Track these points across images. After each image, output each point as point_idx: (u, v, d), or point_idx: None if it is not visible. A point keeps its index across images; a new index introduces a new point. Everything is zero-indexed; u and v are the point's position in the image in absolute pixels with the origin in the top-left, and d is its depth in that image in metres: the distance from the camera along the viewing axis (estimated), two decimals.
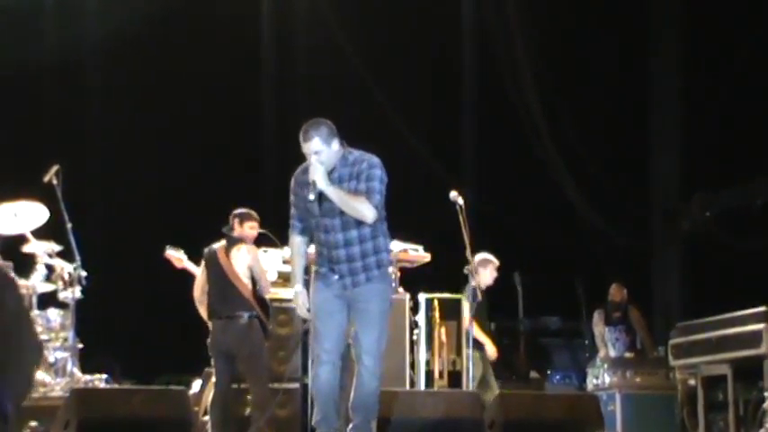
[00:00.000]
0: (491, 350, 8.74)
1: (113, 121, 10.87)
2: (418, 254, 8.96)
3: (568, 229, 12.16)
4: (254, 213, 7.91)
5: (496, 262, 8.86)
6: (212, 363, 7.75)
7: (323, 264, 5.75)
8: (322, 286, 5.70)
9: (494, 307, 9.13)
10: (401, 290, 8.76)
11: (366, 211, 5.61)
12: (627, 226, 12.29)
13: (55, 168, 8.34)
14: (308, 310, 5.78)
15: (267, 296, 7.89)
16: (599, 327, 10.41)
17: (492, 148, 12.16)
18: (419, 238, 8.98)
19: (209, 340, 7.69)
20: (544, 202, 12.06)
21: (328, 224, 5.65)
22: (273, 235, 8.41)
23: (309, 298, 5.75)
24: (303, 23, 11.51)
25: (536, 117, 12.19)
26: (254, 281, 7.77)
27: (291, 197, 5.81)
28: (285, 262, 8.50)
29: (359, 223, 5.65)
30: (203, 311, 7.89)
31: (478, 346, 8.62)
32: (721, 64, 11.65)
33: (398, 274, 8.79)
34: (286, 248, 8.34)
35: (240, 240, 7.81)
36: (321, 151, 5.61)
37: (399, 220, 8.63)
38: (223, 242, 7.86)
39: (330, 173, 5.64)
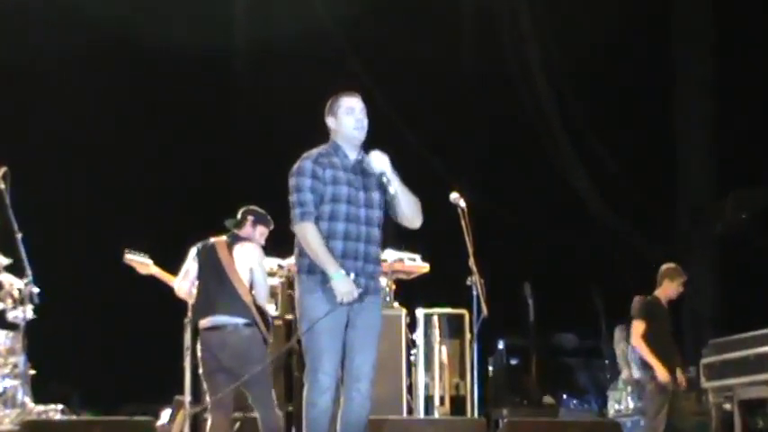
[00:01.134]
0: (661, 374, 8.31)
1: (68, 119, 10.87)
2: (415, 264, 8.97)
3: (584, 233, 12.21)
4: (271, 221, 7.61)
5: (684, 276, 8.71)
6: (204, 386, 7.28)
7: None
8: (328, 297, 5.54)
9: (501, 322, 9.06)
10: (396, 304, 8.80)
11: (420, 213, 5.72)
12: (651, 229, 12.38)
13: (2, 170, 8.33)
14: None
15: (263, 307, 7.70)
16: (621, 344, 10.43)
17: (496, 144, 12.24)
18: (416, 245, 8.95)
19: (200, 355, 7.25)
20: (556, 202, 12.10)
21: (353, 213, 5.61)
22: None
23: (303, 308, 5.61)
24: (295, 21, 11.52)
25: (548, 112, 12.27)
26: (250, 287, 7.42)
27: (307, 181, 5.62)
28: (271, 274, 8.47)
29: (380, 222, 5.68)
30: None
31: (645, 367, 8.44)
32: (754, 54, 11.71)
33: (393, 286, 8.80)
34: (267, 259, 8.41)
35: (246, 239, 7.51)
36: (363, 110, 5.67)
37: (393, 226, 8.76)
38: (224, 237, 7.55)
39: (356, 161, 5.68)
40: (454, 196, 7.57)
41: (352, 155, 5.69)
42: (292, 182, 5.64)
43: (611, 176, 12.37)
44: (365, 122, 5.66)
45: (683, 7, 12.66)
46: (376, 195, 5.68)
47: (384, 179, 5.59)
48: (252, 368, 6.79)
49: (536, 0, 12.28)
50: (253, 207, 7.53)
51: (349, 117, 5.66)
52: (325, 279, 5.55)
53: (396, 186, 5.61)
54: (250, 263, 7.34)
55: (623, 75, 12.17)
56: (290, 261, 8.21)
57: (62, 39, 10.80)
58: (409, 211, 5.69)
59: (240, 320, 7.11)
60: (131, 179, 10.77)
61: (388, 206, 5.74)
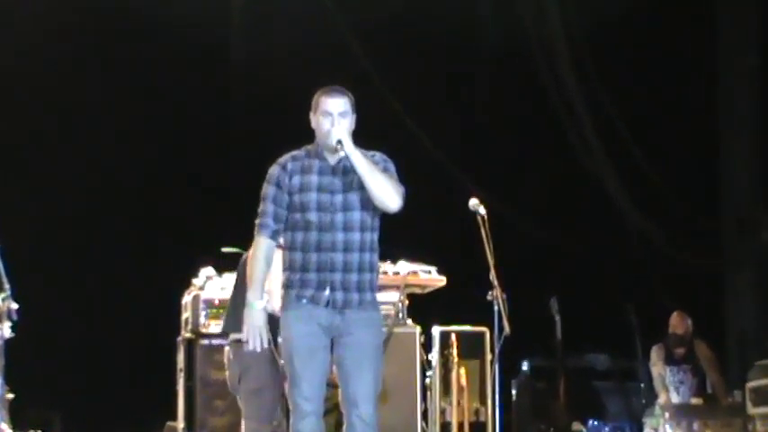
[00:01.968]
0: None
1: (49, 121, 10.90)
2: (431, 277, 8.96)
3: (618, 244, 12.18)
4: None
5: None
6: (242, 403, 7.13)
7: (304, 283, 5.58)
8: (302, 316, 5.55)
9: (525, 342, 9.08)
10: (410, 321, 8.80)
11: (395, 190, 5.56)
12: (691, 240, 12.29)
13: None
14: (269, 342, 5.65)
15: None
16: (658, 366, 10.38)
17: (521, 148, 12.27)
18: (432, 257, 9.01)
19: (227, 373, 7.27)
20: (586, 210, 12.08)
21: (325, 220, 5.58)
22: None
23: (282, 328, 5.61)
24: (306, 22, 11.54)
25: (579, 114, 12.31)
26: None
27: (271, 189, 5.65)
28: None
29: (363, 226, 5.62)
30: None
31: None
32: None
33: (407, 301, 8.81)
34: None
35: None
36: (347, 113, 5.62)
37: (407, 235, 8.75)
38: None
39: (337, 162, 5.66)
40: (473, 203, 7.58)
41: (334, 156, 5.65)
42: (262, 188, 5.70)
43: (648, 184, 12.31)
44: (343, 127, 5.58)
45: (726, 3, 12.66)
46: (355, 196, 5.62)
47: (339, 146, 5.53)
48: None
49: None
50: None
51: (325, 120, 5.62)
52: (299, 294, 5.58)
53: (356, 161, 5.52)
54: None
55: (665, 80, 12.14)
56: None
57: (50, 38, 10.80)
58: (376, 189, 5.54)
59: None
60: (120, 187, 10.76)
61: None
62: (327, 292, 5.56)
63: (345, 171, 5.64)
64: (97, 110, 10.99)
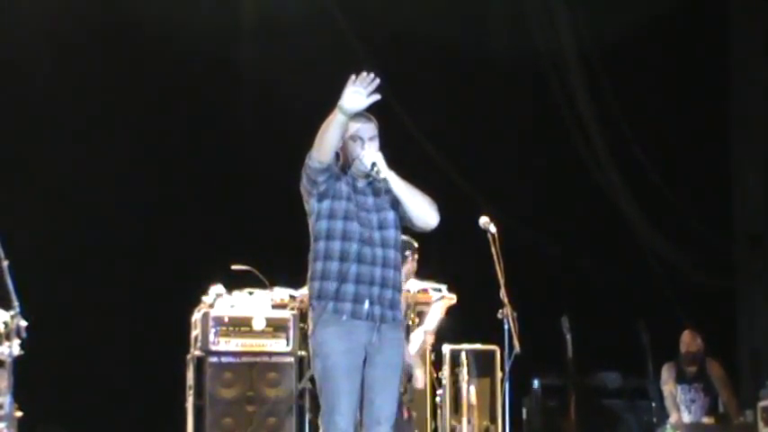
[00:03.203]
0: None
1: (56, 134, 10.89)
2: (441, 295, 8.90)
3: (629, 261, 12.17)
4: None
5: None
6: None
7: (341, 295, 5.58)
8: (342, 332, 5.57)
9: (537, 360, 9.12)
10: None
11: (433, 207, 5.71)
12: (704, 257, 12.27)
13: None
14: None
15: None
16: (669, 385, 10.41)
17: (533, 164, 12.27)
18: (441, 274, 9.00)
19: None
20: (597, 227, 12.06)
21: (365, 235, 5.64)
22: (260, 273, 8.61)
23: (316, 343, 5.62)
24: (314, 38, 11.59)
25: (591, 131, 12.29)
26: None
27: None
28: (275, 306, 8.71)
29: (397, 244, 5.71)
30: None
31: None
32: None
33: (416, 320, 8.71)
34: (276, 289, 8.53)
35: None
36: (375, 137, 5.69)
37: (417, 253, 8.73)
38: None
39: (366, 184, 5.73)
40: (484, 221, 7.61)
41: (363, 179, 5.74)
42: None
43: (660, 200, 12.30)
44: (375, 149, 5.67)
45: (740, 7, 12.65)
46: (390, 215, 5.72)
47: (375, 170, 5.59)
48: None
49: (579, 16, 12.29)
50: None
51: (355, 145, 5.69)
52: (336, 308, 5.57)
53: (394, 182, 5.61)
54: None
55: (678, 96, 12.19)
56: (303, 291, 8.35)
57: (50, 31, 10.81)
58: (416, 209, 5.68)
59: None
60: (129, 202, 10.78)
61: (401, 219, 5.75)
62: (367, 305, 5.59)
63: (375, 192, 5.73)
64: (104, 125, 10.98)
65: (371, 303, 5.60)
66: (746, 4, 12.66)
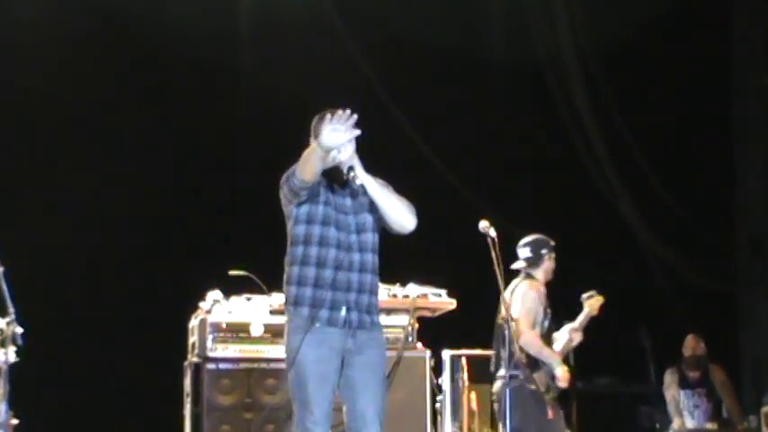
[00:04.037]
0: None
1: (49, 136, 10.87)
2: (441, 300, 8.93)
3: (631, 267, 12.14)
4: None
5: None
6: None
7: (317, 301, 5.60)
8: (314, 340, 5.57)
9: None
10: (419, 345, 8.76)
11: (410, 210, 5.71)
12: (706, 262, 12.29)
13: None
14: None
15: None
16: (672, 390, 10.45)
17: (534, 169, 12.30)
18: (441, 279, 8.96)
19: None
20: (597, 231, 12.03)
21: (343, 239, 5.65)
22: (258, 278, 8.53)
23: (289, 349, 5.64)
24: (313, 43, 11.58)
25: (592, 136, 12.33)
26: None
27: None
28: (273, 312, 8.60)
29: (374, 247, 5.72)
30: None
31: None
32: None
33: (416, 325, 8.77)
34: (274, 295, 8.49)
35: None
36: (351, 142, 5.64)
37: (416, 257, 8.72)
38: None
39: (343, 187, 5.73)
40: (483, 225, 7.55)
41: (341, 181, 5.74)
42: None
43: (661, 205, 12.31)
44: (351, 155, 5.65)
45: (742, 8, 12.66)
46: (368, 217, 5.72)
47: (351, 174, 5.61)
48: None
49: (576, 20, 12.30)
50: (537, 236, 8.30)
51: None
52: (312, 315, 5.58)
53: (369, 185, 5.62)
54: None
55: (679, 100, 12.23)
56: None
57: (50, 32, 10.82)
58: (392, 212, 5.68)
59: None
60: (126, 207, 10.75)
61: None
62: (344, 312, 5.62)
63: (353, 194, 5.73)
64: (99, 131, 10.96)
65: (348, 310, 5.63)
66: (747, 4, 12.66)
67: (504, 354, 7.77)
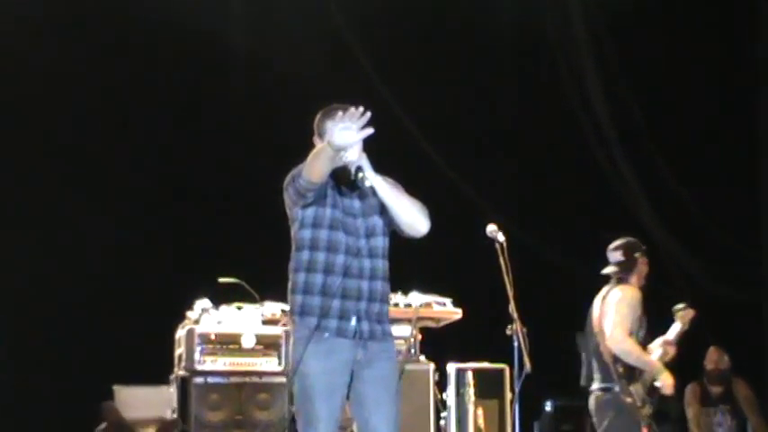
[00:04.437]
0: None
1: (34, 135, 10.72)
2: (445, 309, 8.89)
3: (649, 274, 11.92)
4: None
5: None
6: None
7: (326, 310, 5.44)
8: (322, 351, 5.42)
9: (548, 379, 8.91)
10: (423, 358, 8.74)
11: (423, 212, 5.59)
12: (730, 272, 12.11)
13: None
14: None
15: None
16: (693, 407, 10.32)
17: (546, 172, 12.17)
18: (447, 288, 8.91)
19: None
20: (614, 239, 11.88)
21: (352, 244, 5.52)
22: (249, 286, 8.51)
23: (295, 362, 5.47)
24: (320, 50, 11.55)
25: (609, 138, 12.25)
26: None
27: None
28: (265, 322, 8.60)
29: (385, 253, 5.60)
30: None
31: None
32: None
33: (419, 336, 8.73)
34: (266, 303, 8.66)
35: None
36: (359, 142, 5.46)
37: (420, 264, 8.49)
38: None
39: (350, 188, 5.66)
40: (491, 229, 7.39)
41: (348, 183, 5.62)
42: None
43: (684, 212, 12.17)
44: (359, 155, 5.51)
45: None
46: (378, 221, 5.59)
47: (360, 176, 5.47)
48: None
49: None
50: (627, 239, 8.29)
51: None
52: (320, 325, 5.42)
53: (379, 186, 5.49)
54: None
55: (703, 105, 12.21)
56: None
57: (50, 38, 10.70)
58: (404, 215, 5.53)
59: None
60: (110, 213, 10.65)
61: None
62: (354, 322, 5.48)
63: (362, 196, 5.59)
64: (86, 125, 10.85)
65: (359, 320, 5.50)
66: None
67: (597, 365, 7.82)
